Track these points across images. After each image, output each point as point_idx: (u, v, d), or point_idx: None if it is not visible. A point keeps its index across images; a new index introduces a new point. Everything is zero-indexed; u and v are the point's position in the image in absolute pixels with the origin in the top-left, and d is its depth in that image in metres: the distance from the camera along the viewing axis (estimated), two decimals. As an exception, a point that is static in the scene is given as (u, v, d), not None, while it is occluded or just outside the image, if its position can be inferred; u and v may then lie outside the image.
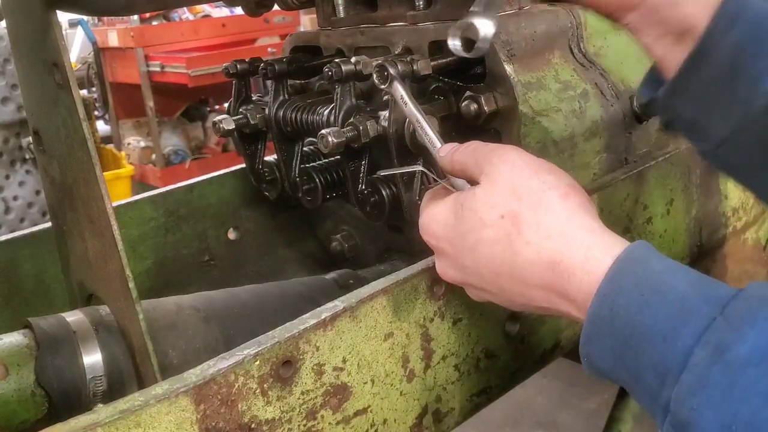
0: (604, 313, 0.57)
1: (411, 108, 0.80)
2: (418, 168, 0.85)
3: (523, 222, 0.64)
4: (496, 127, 0.91)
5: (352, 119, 0.89)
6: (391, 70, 0.81)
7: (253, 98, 1.11)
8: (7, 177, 2.95)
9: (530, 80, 0.92)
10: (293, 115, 1.01)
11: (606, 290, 0.58)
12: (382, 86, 0.82)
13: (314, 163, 1.06)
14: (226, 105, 1.16)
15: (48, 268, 1.03)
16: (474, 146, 0.71)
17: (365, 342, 0.71)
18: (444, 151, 0.75)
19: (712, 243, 1.16)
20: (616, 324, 0.57)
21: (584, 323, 0.59)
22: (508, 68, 0.89)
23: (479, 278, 0.68)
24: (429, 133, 0.78)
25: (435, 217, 0.72)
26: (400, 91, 0.81)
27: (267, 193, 1.14)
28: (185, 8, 5.20)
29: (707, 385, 0.50)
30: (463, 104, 0.90)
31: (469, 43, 0.70)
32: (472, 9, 0.70)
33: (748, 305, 0.52)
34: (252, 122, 1.06)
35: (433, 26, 0.95)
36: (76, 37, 5.82)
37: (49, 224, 0.99)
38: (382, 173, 0.92)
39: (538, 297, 0.64)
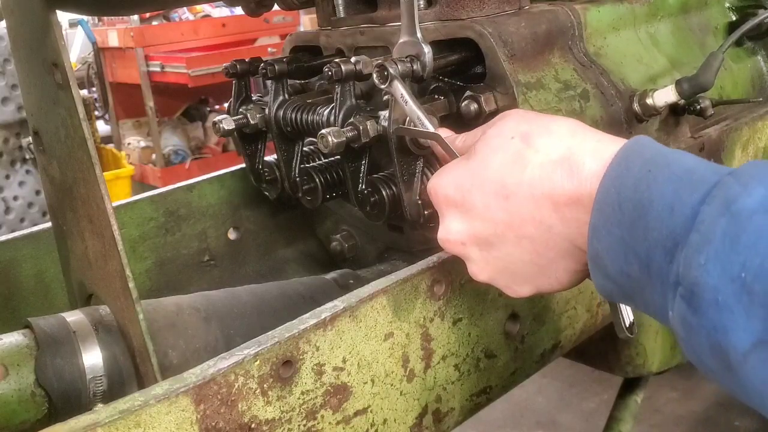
0: (612, 198, 0.56)
1: (412, 107, 0.81)
2: (433, 131, 0.81)
3: (534, 135, 0.64)
4: (496, 127, 0.91)
5: (352, 119, 0.89)
6: (391, 70, 0.82)
7: (253, 98, 1.11)
8: (7, 177, 2.95)
9: (530, 80, 0.92)
10: (293, 115, 1.01)
11: (614, 172, 0.57)
12: (383, 86, 0.82)
13: (314, 163, 1.06)
14: (226, 105, 1.16)
15: (48, 268, 1.03)
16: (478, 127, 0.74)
17: (365, 342, 0.71)
18: (446, 132, 0.77)
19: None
20: (624, 207, 0.55)
21: (592, 214, 0.58)
22: (508, 68, 0.89)
23: (484, 218, 0.66)
24: (429, 129, 0.79)
25: (445, 169, 0.72)
26: (400, 90, 0.81)
27: (267, 193, 1.14)
28: (185, 8, 5.20)
29: (713, 238, 0.48)
30: (463, 104, 0.90)
31: None
32: None
33: (756, 166, 0.51)
34: (252, 122, 1.06)
35: (433, 26, 0.96)
36: (76, 37, 5.83)
37: (49, 224, 0.99)
38: (398, 129, 0.88)
39: (545, 210, 0.62)
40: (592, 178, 0.59)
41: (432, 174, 0.90)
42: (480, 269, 0.71)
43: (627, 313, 0.70)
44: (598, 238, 0.57)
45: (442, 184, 0.71)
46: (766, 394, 0.47)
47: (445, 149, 0.77)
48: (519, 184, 0.63)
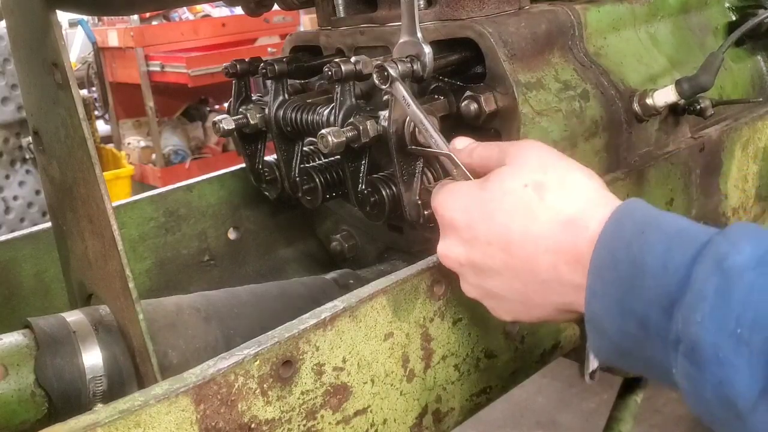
0: (606, 260, 0.58)
1: (414, 109, 0.81)
2: (446, 152, 0.80)
3: (548, 189, 0.64)
4: (496, 127, 0.91)
5: (352, 119, 0.89)
6: (392, 71, 0.82)
7: (253, 98, 1.11)
8: (7, 177, 2.95)
9: (530, 80, 0.92)
10: (293, 115, 1.01)
11: (607, 234, 0.59)
12: (383, 86, 0.82)
13: (314, 163, 1.06)
14: (226, 105, 1.16)
15: (48, 268, 1.03)
16: (494, 142, 0.74)
17: (365, 342, 0.71)
18: (461, 144, 0.77)
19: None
20: (619, 268, 0.57)
21: (588, 277, 0.59)
22: (508, 68, 0.89)
23: (484, 252, 0.67)
24: (431, 131, 0.79)
25: (456, 190, 0.72)
26: (402, 92, 0.81)
27: (267, 193, 1.14)
28: (185, 8, 5.20)
29: (707, 295, 0.50)
30: (463, 104, 0.90)
31: None
32: None
33: (743, 227, 0.53)
34: (252, 122, 1.06)
35: (433, 26, 0.96)
36: (76, 37, 5.82)
37: (48, 224, 0.99)
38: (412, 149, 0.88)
39: (544, 265, 0.63)
40: (590, 243, 0.60)
41: (432, 174, 0.91)
42: (471, 288, 0.73)
43: (593, 361, 0.73)
44: (595, 299, 0.59)
45: (449, 206, 0.71)
46: None
47: (456, 168, 0.77)
48: (524, 235, 0.64)
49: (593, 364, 0.73)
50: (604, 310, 0.58)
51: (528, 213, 0.64)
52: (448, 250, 0.72)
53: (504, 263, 0.66)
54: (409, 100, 0.81)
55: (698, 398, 0.52)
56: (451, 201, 0.71)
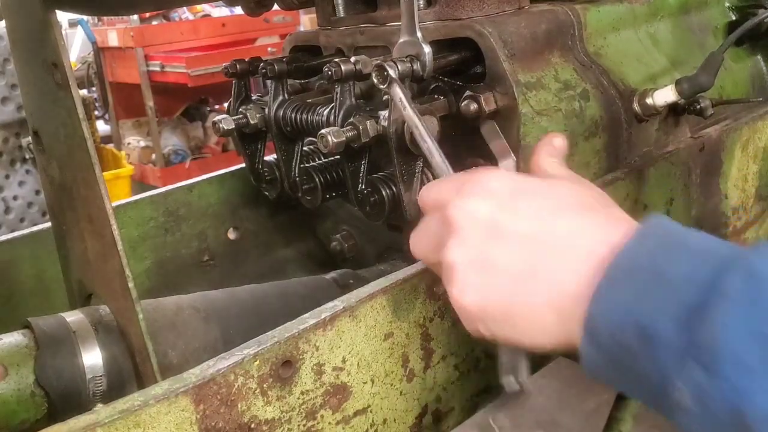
0: (625, 266, 0.55)
1: (409, 112, 0.81)
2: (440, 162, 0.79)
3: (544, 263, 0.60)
4: (496, 126, 0.91)
5: (351, 119, 0.89)
6: (391, 72, 0.81)
7: (253, 98, 1.11)
8: (7, 177, 2.95)
9: (530, 80, 0.92)
10: (293, 115, 1.01)
11: (630, 245, 0.56)
12: (382, 86, 0.82)
13: (314, 163, 1.06)
14: (225, 105, 1.16)
15: (47, 268, 1.03)
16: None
17: (365, 342, 0.71)
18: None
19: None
20: (635, 275, 0.54)
21: (601, 279, 0.55)
22: (508, 68, 0.89)
23: (514, 214, 0.62)
24: (424, 135, 0.79)
25: (486, 176, 0.65)
26: (398, 94, 0.81)
27: (267, 193, 1.14)
28: (185, 8, 5.20)
29: (737, 299, 0.48)
30: (463, 104, 0.90)
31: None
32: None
33: None
34: (252, 122, 1.06)
35: (432, 26, 0.95)
36: (75, 37, 5.82)
37: (48, 224, 0.99)
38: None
39: (562, 233, 0.59)
40: (616, 246, 0.57)
41: (432, 174, 0.90)
42: (467, 251, 0.64)
43: (525, 369, 0.69)
44: (598, 302, 0.55)
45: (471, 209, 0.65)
46: None
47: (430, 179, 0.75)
48: (528, 295, 0.60)
49: (525, 371, 0.69)
50: (606, 314, 0.55)
51: (531, 275, 0.60)
52: (472, 204, 0.64)
53: (528, 227, 0.61)
54: (405, 102, 0.81)
55: (703, 412, 0.49)
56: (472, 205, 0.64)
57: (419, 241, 0.70)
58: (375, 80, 0.83)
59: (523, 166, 0.88)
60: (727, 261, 0.51)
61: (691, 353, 0.49)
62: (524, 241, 0.60)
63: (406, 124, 0.86)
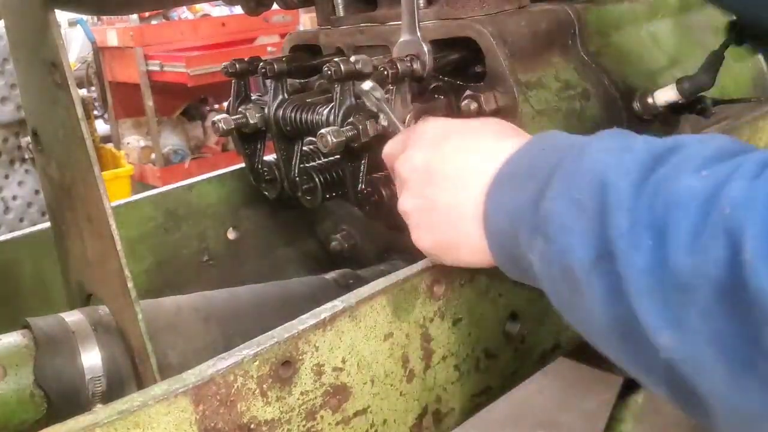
0: (507, 169, 0.65)
1: (390, 117, 0.82)
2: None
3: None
4: (496, 126, 0.91)
5: (351, 118, 0.89)
6: (365, 85, 0.82)
7: (253, 98, 1.10)
8: (7, 177, 2.95)
9: (530, 79, 0.91)
10: (293, 115, 1.01)
11: (518, 152, 0.65)
12: (363, 88, 0.83)
13: (314, 163, 1.06)
14: (225, 104, 1.16)
15: (47, 268, 1.03)
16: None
17: (365, 342, 0.71)
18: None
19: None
20: (514, 175, 0.64)
21: (490, 187, 0.65)
22: (508, 67, 0.89)
23: (443, 160, 0.71)
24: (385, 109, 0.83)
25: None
26: (372, 97, 0.82)
27: (266, 193, 1.14)
28: (184, 7, 5.20)
29: (563, 173, 0.57)
30: (463, 103, 0.90)
31: None
32: None
33: (613, 130, 0.62)
34: (251, 122, 1.06)
35: (432, 25, 0.95)
36: (75, 37, 5.81)
37: (48, 224, 0.99)
38: None
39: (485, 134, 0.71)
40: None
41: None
42: (412, 199, 0.75)
43: None
44: (488, 207, 0.65)
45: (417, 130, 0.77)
46: (603, 313, 0.51)
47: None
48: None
49: None
50: (493, 214, 0.64)
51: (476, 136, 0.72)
52: (411, 156, 0.74)
53: (451, 168, 0.70)
54: (382, 105, 0.83)
55: (548, 274, 0.57)
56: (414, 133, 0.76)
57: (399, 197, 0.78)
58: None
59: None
60: (572, 147, 0.59)
61: (538, 229, 0.57)
62: (449, 180, 0.70)
63: (406, 123, 0.86)
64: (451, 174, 0.69)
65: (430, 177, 0.71)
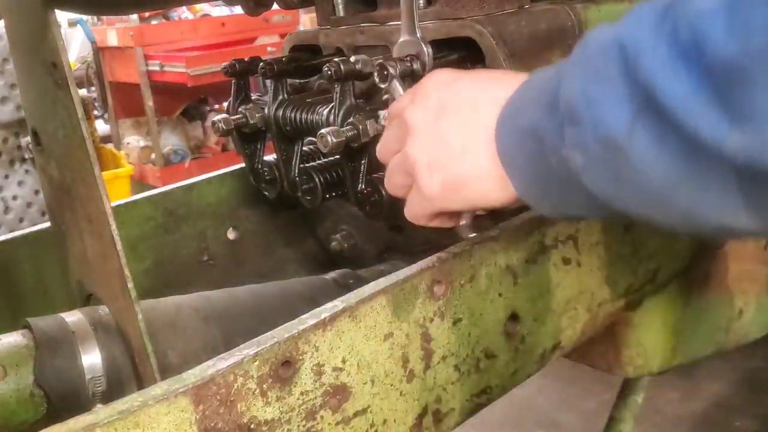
0: (516, 98, 0.65)
1: None
2: None
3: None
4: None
5: (351, 118, 0.89)
6: (391, 69, 0.82)
7: (253, 98, 1.10)
8: (6, 177, 2.95)
9: (530, 79, 0.91)
10: (293, 115, 1.01)
11: (526, 83, 0.66)
12: (383, 85, 0.83)
13: (314, 163, 1.06)
14: (225, 104, 1.16)
15: (47, 268, 1.03)
16: None
17: (365, 342, 0.71)
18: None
19: (713, 242, 1.16)
20: (522, 102, 0.65)
21: (499, 118, 0.66)
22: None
23: (454, 125, 0.70)
24: None
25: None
26: (399, 90, 0.82)
27: (266, 193, 1.14)
28: (184, 7, 5.20)
29: (574, 60, 0.56)
30: (463, 103, 0.90)
31: None
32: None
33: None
34: (251, 122, 1.06)
35: (432, 25, 0.95)
36: (75, 37, 5.81)
37: (48, 224, 0.99)
38: None
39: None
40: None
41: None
42: (424, 111, 0.74)
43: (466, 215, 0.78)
44: (500, 132, 0.66)
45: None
46: (656, 164, 0.50)
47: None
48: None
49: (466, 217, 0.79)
50: (507, 137, 0.65)
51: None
52: (422, 103, 0.73)
53: (465, 105, 0.71)
54: None
55: (589, 161, 0.55)
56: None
57: (384, 146, 0.78)
58: (376, 80, 0.83)
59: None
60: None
61: (564, 120, 0.56)
62: (462, 111, 0.70)
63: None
64: (464, 106, 0.69)
65: (443, 111, 0.70)
